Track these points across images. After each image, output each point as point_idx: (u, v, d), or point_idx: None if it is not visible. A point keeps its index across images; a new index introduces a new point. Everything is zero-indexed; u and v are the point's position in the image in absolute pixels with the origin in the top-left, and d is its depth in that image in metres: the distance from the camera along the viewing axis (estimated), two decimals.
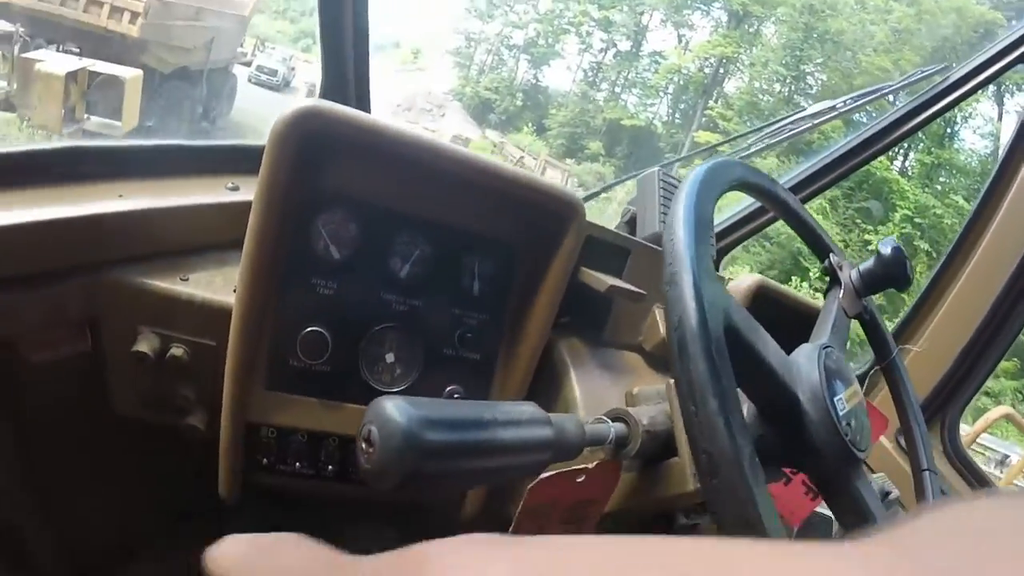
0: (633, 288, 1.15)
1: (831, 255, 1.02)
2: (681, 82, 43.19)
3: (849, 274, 1.00)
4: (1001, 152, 1.75)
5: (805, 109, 1.91)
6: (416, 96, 42.62)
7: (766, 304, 1.27)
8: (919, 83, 1.84)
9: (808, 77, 37.37)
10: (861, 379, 1.82)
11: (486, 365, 1.10)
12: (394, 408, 0.54)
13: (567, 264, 1.04)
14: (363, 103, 1.38)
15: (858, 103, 1.84)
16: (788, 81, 37.42)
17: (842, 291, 0.98)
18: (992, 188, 1.72)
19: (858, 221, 29.33)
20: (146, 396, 1.07)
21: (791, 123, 1.86)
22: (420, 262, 1.04)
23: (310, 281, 0.99)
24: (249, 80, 14.85)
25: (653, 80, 44.24)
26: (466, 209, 1.04)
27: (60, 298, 0.97)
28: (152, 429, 1.08)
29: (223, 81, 14.82)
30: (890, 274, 0.97)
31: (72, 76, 6.42)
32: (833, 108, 1.84)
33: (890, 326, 1.87)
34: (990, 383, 21.85)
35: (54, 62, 6.55)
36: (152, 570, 1.40)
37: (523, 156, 33.99)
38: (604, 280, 1.11)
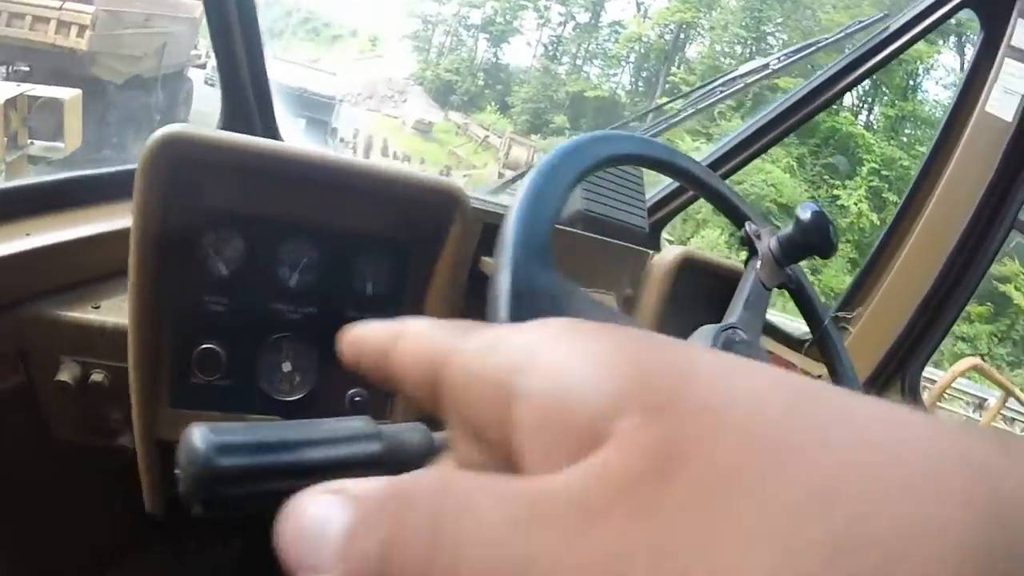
0: None
1: (747, 223, 0.98)
2: (642, 50, 43.16)
3: (768, 243, 0.96)
4: (951, 100, 1.77)
5: (736, 70, 1.92)
6: (376, 83, 42.28)
7: (694, 276, 1.25)
8: (857, 35, 1.83)
9: (769, 37, 37.44)
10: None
11: None
12: (197, 435, 0.54)
13: (458, 255, 1.04)
14: (269, 126, 1.42)
15: (791, 59, 1.82)
16: (749, 43, 37.50)
17: (760, 261, 0.94)
18: (940, 142, 1.71)
19: (826, 177, 29.67)
20: (77, 421, 1.14)
21: (722, 85, 1.86)
22: (309, 269, 1.05)
23: (202, 298, 1.01)
24: (205, 82, 14.72)
25: (614, 50, 44.19)
26: (349, 212, 1.05)
27: None
28: (90, 451, 1.14)
29: (179, 86, 14.57)
30: (810, 241, 0.92)
31: (11, 103, 6.36)
32: (766, 66, 1.83)
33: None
34: (965, 328, 22.31)
35: None
36: None
37: (488, 135, 33.85)
38: (483, 271, 1.14)
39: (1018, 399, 5.24)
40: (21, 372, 1.10)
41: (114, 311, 1.10)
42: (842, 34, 1.83)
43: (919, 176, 1.74)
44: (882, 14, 1.79)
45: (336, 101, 21.03)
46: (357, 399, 1.07)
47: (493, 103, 42.83)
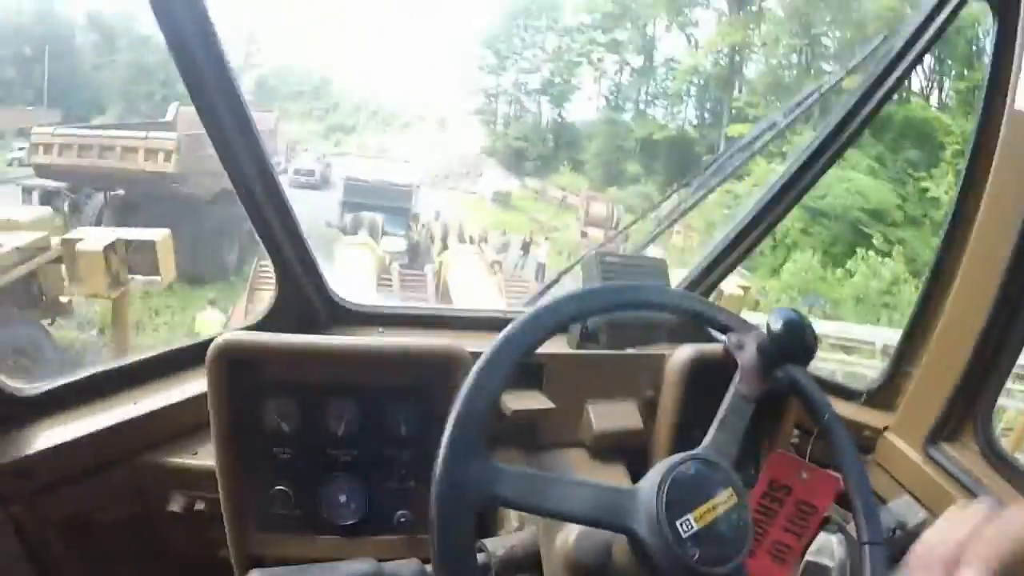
0: (537, 407, 1.39)
1: (728, 335, 1.02)
2: (701, 81, 43.07)
3: (750, 352, 0.99)
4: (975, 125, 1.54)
5: (742, 138, 1.92)
6: (450, 162, 43.26)
7: (708, 369, 1.31)
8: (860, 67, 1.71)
9: (822, 39, 36.73)
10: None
11: (424, 488, 1.36)
12: None
13: None
14: (320, 287, 1.66)
15: (796, 111, 1.81)
16: (803, 49, 36.91)
17: (739, 375, 0.97)
18: (975, 153, 1.54)
19: (910, 172, 28.33)
20: (188, 539, 1.45)
21: (729, 157, 1.92)
22: (353, 420, 1.29)
23: (271, 450, 1.26)
24: (290, 185, 15.69)
25: (673, 87, 44.30)
26: (377, 374, 1.31)
27: (110, 480, 1.38)
28: (200, 562, 1.44)
29: None
30: (785, 350, 0.96)
31: (110, 248, 7.21)
32: (773, 126, 1.85)
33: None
34: None
35: (91, 240, 7.34)
36: None
37: (565, 196, 34.04)
38: (508, 406, 1.35)
39: None
40: (139, 505, 1.42)
41: (209, 455, 1.31)
42: (844, 75, 1.78)
43: (959, 197, 1.57)
44: (882, 37, 1.68)
45: (414, 187, 21.49)
46: (403, 519, 1.29)
47: (566, 163, 43.16)
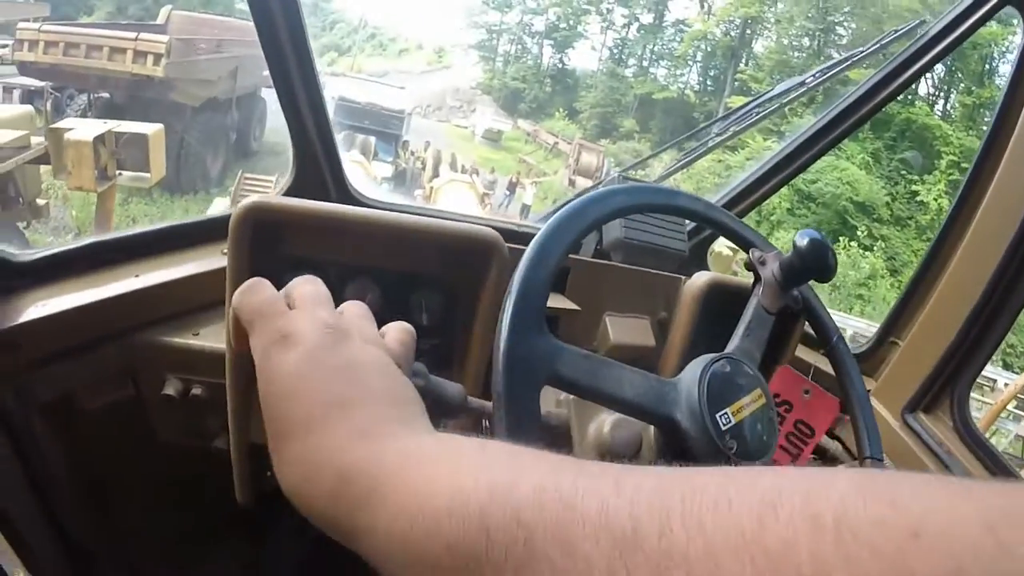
0: (564, 306, 1.35)
1: (752, 250, 1.05)
2: (708, 48, 42.69)
3: (772, 268, 1.02)
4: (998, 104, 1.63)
5: (772, 89, 1.93)
6: (444, 94, 42.77)
7: (722, 298, 1.31)
8: (894, 44, 1.78)
9: (837, 28, 36.57)
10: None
11: (445, 377, 1.28)
12: None
13: (498, 292, 1.16)
14: (337, 176, 1.60)
15: (828, 75, 1.83)
16: (817, 34, 36.64)
17: (761, 287, 1.00)
18: (986, 149, 1.63)
19: (903, 173, 28.54)
20: (181, 427, 1.35)
21: (758, 105, 1.90)
22: (373, 303, 1.17)
23: None
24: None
25: (680, 50, 43.82)
26: (404, 256, 1.20)
27: (102, 359, 1.26)
28: (190, 452, 1.35)
29: (253, 106, 15.19)
30: (809, 266, 0.98)
31: (100, 139, 6.86)
32: (802, 84, 1.84)
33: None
34: None
35: (81, 129, 6.98)
36: (204, 572, 1.75)
37: (557, 142, 33.84)
38: None
39: None
40: (131, 388, 1.31)
41: (211, 337, 1.29)
42: (877, 45, 1.80)
43: (966, 185, 1.65)
44: (919, 21, 1.75)
45: (406, 115, 21.21)
46: None
47: (561, 109, 42.89)
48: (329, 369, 0.53)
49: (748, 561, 0.27)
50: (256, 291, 0.58)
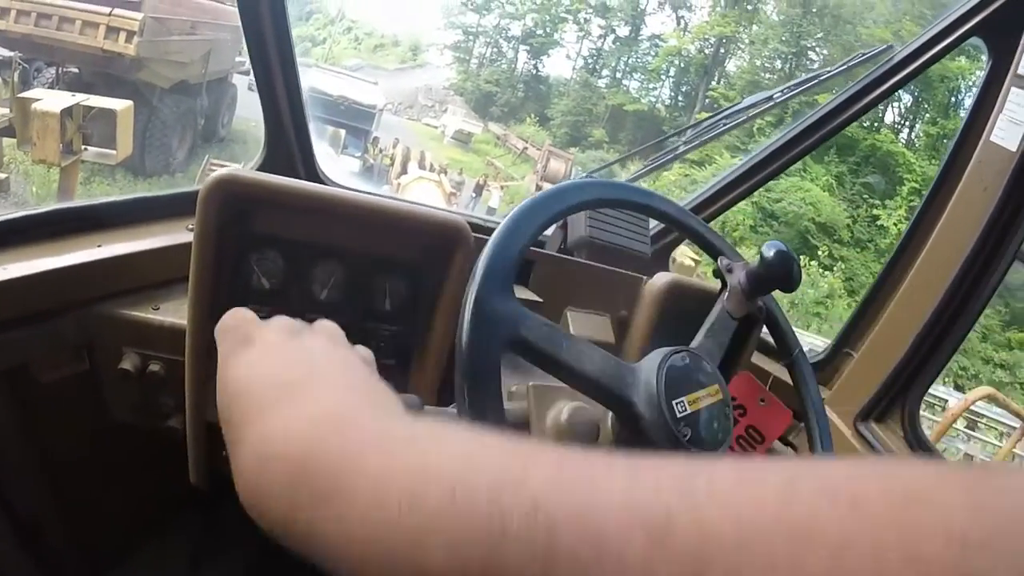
0: (527, 297, 1.34)
1: (720, 258, 1.07)
2: (682, 64, 43.11)
3: (738, 276, 1.04)
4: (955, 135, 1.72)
5: (740, 102, 1.93)
6: (417, 92, 42.63)
7: (682, 299, 1.34)
8: (861, 67, 1.81)
9: (810, 52, 37.18)
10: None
11: (402, 369, 1.25)
12: None
13: (460, 282, 1.14)
14: (307, 158, 1.62)
15: (795, 91, 1.85)
16: (789, 58, 37.28)
17: (727, 294, 1.02)
18: (945, 172, 1.71)
19: (865, 196, 29.18)
20: (135, 404, 1.31)
21: (725, 117, 1.90)
22: (337, 286, 1.21)
23: (247, 306, 1.11)
24: (249, 88, 14.91)
25: (654, 64, 44.19)
26: (371, 239, 1.20)
27: (58, 330, 1.22)
28: (145, 432, 1.32)
29: (223, 91, 14.90)
30: (774, 276, 1.00)
31: (67, 112, 6.69)
32: (770, 98, 1.85)
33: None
34: (1005, 355, 21.63)
35: (49, 100, 6.80)
36: (155, 552, 1.71)
37: (526, 147, 33.87)
38: None
39: None
40: (86, 362, 1.28)
41: (171, 312, 1.27)
42: (845, 66, 1.83)
43: (923, 205, 1.74)
44: (887, 45, 1.79)
45: (377, 110, 21.07)
46: None
47: (533, 115, 43.00)
48: (285, 357, 0.54)
49: (782, 539, 0.27)
50: (234, 313, 0.62)
